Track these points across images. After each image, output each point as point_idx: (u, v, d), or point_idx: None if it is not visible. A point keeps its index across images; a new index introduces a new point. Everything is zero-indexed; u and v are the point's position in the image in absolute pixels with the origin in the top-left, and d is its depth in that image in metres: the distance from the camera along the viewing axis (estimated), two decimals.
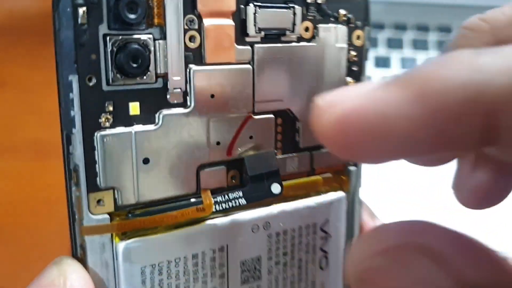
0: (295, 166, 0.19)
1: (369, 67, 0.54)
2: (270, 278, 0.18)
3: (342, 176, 0.20)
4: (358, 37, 0.19)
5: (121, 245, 0.15)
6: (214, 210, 0.17)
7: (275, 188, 0.17)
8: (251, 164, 0.17)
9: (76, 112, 0.14)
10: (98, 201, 0.15)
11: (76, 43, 0.14)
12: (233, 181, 0.17)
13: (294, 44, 0.18)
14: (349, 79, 0.19)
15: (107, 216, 0.15)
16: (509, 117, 0.10)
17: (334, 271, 0.20)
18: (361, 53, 0.19)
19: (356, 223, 0.20)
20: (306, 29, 0.18)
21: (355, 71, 0.19)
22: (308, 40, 0.18)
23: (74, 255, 0.16)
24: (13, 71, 0.55)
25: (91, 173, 0.15)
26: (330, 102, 0.12)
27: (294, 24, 0.18)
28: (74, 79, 0.14)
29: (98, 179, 0.15)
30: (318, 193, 0.19)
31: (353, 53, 0.19)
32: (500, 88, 0.10)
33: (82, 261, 0.16)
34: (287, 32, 0.18)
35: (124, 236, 0.16)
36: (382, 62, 0.54)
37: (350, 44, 0.19)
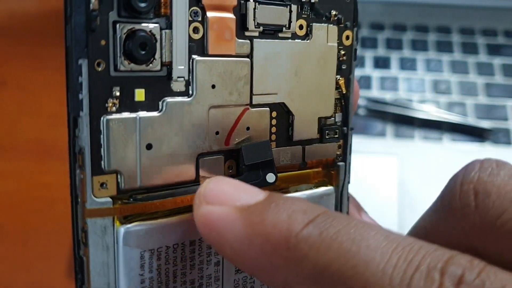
0: (287, 159, 0.19)
1: (369, 67, 0.54)
2: None
3: (331, 171, 0.20)
4: (348, 37, 0.20)
5: (122, 229, 0.16)
6: None
7: (270, 178, 0.18)
8: (247, 153, 0.18)
9: (84, 96, 0.15)
10: (102, 184, 0.15)
11: (87, 28, 0.14)
12: (230, 171, 0.18)
13: (289, 40, 0.18)
14: (338, 77, 0.20)
15: (109, 199, 0.16)
16: None
17: None
18: (350, 52, 0.20)
19: None
20: (301, 27, 0.19)
21: (344, 70, 0.20)
22: (302, 38, 0.19)
23: (75, 238, 0.16)
24: (13, 71, 0.55)
25: (96, 156, 0.15)
26: (206, 197, 0.15)
27: (290, 21, 0.18)
28: (84, 63, 0.15)
29: (102, 162, 0.15)
30: (308, 186, 0.20)
31: (342, 52, 0.20)
32: (293, 274, 0.13)
33: (84, 244, 0.16)
34: (284, 29, 0.18)
35: (125, 220, 0.16)
36: (382, 63, 0.54)
37: (340, 43, 0.19)
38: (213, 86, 0.17)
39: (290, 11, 0.18)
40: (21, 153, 0.50)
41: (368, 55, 0.55)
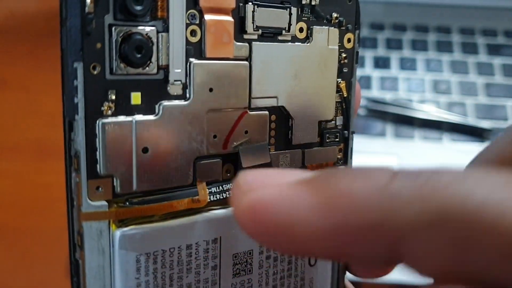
0: (287, 162, 0.19)
1: (369, 67, 0.54)
2: (261, 272, 0.19)
3: None
4: (349, 40, 0.19)
5: (117, 233, 0.15)
6: (209, 200, 0.17)
7: None
8: (245, 156, 0.17)
9: (79, 99, 0.15)
10: (97, 188, 0.15)
11: (82, 31, 0.14)
12: (228, 174, 0.18)
13: (289, 43, 0.18)
14: (339, 80, 0.19)
15: (105, 203, 0.15)
16: (412, 247, 0.10)
17: (322, 268, 0.20)
18: (352, 55, 0.19)
19: None
20: (301, 30, 0.18)
21: (345, 73, 0.20)
22: (303, 41, 0.19)
23: (71, 242, 0.16)
24: (13, 71, 0.55)
25: (91, 160, 0.15)
26: (248, 184, 0.12)
27: (290, 24, 0.18)
28: (79, 66, 0.14)
29: (98, 166, 0.15)
30: None
31: (344, 55, 0.19)
32: (406, 219, 0.10)
33: (80, 247, 0.16)
34: (283, 31, 0.18)
35: (121, 224, 0.16)
36: (382, 63, 0.54)
37: (341, 46, 0.19)
38: (211, 90, 0.17)
39: (290, 14, 0.18)
40: (21, 153, 0.50)
41: (368, 55, 0.55)
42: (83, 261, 0.15)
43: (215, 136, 0.17)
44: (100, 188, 0.15)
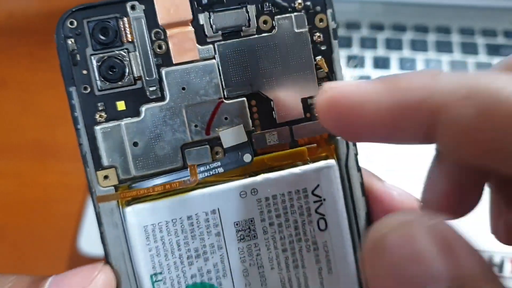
0: (275, 139, 0.21)
1: (369, 67, 0.54)
2: (267, 237, 0.21)
3: (330, 146, 0.22)
4: (321, 20, 0.21)
5: (126, 210, 0.20)
6: (199, 178, 0.21)
7: (247, 158, 0.21)
8: (225, 138, 0.21)
9: (78, 114, 0.20)
10: (105, 177, 0.20)
11: (71, 64, 0.20)
12: (217, 155, 0.21)
13: (253, 36, 0.21)
14: (319, 57, 0.21)
15: (112, 188, 0.20)
16: (447, 116, 0.14)
17: (336, 232, 0.21)
18: (327, 33, 0.21)
19: (355, 187, 0.22)
20: (265, 22, 0.21)
21: (325, 50, 0.21)
22: (269, 31, 0.21)
23: (98, 220, 0.20)
24: (13, 71, 0.55)
25: (96, 156, 0.20)
26: (331, 86, 0.17)
27: (249, 20, 0.21)
28: (73, 90, 0.20)
29: (101, 160, 0.20)
30: (305, 162, 0.21)
31: (317, 34, 0.21)
32: (444, 95, 0.14)
33: (100, 223, 0.20)
34: (244, 28, 0.21)
35: (128, 202, 0.20)
36: (382, 63, 0.54)
37: (313, 27, 0.21)
38: (183, 88, 0.20)
39: (247, 11, 0.21)
40: (21, 153, 0.50)
41: (368, 55, 0.55)
42: (104, 234, 0.20)
43: (196, 126, 0.21)
44: (108, 177, 0.20)
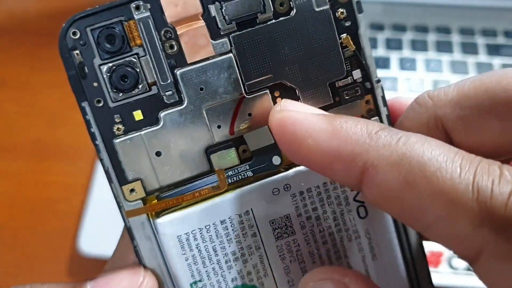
0: None
1: None
2: (305, 231, 0.20)
3: None
4: None
5: (157, 222, 0.20)
6: (228, 183, 0.20)
7: (276, 160, 0.20)
8: (250, 140, 0.20)
9: (94, 129, 0.19)
10: (131, 190, 0.19)
11: (80, 77, 0.18)
12: (245, 153, 0.20)
13: (270, 22, 0.19)
14: (344, 35, 0.20)
15: (140, 201, 0.19)
16: (374, 176, 0.16)
17: (377, 217, 0.21)
18: (351, 7, 0.19)
19: None
20: (281, 5, 0.19)
21: (349, 26, 0.20)
22: (286, 14, 0.19)
23: (130, 234, 0.20)
24: (13, 71, 0.55)
25: (119, 171, 0.19)
26: (285, 106, 0.18)
27: (264, 5, 0.19)
28: (85, 104, 0.19)
29: (125, 174, 0.19)
30: None
31: (340, 10, 0.19)
32: (376, 156, 0.15)
33: (132, 237, 0.20)
34: (259, 15, 0.19)
35: (159, 213, 0.20)
36: (382, 63, 0.54)
37: (335, 2, 0.19)
38: (201, 89, 0.19)
39: None
40: (21, 153, 0.50)
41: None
42: (138, 247, 0.20)
43: (219, 126, 0.20)
44: (134, 190, 0.19)
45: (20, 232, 0.46)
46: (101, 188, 0.45)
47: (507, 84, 0.17)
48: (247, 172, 0.20)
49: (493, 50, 0.55)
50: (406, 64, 0.54)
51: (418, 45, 0.55)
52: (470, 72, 0.53)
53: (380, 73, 0.57)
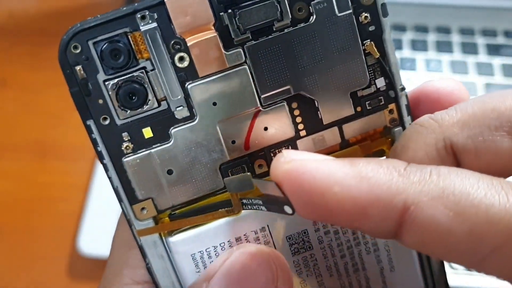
0: (323, 143, 0.19)
1: None
2: (323, 246, 0.20)
3: (386, 139, 0.19)
4: None
5: (169, 240, 0.19)
6: (242, 209, 0.19)
7: (287, 209, 0.17)
8: (229, 185, 0.18)
9: (101, 148, 0.18)
10: (142, 209, 0.18)
11: (83, 94, 0.17)
12: (261, 169, 0.19)
13: (288, 30, 0.18)
14: (368, 41, 0.18)
15: (151, 220, 0.19)
16: (418, 215, 0.14)
17: None
18: (375, 10, 0.18)
19: None
20: (300, 10, 0.18)
21: (373, 32, 0.18)
22: (305, 20, 0.18)
23: (142, 253, 0.19)
24: (13, 71, 0.55)
25: (129, 190, 0.18)
26: (289, 157, 0.15)
27: (281, 12, 0.17)
28: (91, 123, 0.17)
29: (135, 193, 0.18)
30: None
31: (364, 14, 0.18)
32: (415, 193, 0.14)
33: (144, 256, 0.19)
34: (275, 22, 0.18)
35: (171, 233, 0.19)
36: None
37: (358, 6, 0.18)
38: (215, 104, 0.18)
39: (278, 2, 0.17)
40: (21, 153, 0.50)
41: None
42: (151, 266, 0.19)
43: (233, 142, 0.18)
44: (144, 209, 0.18)
45: (20, 232, 0.46)
46: (100, 188, 0.45)
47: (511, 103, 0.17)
48: (261, 207, 0.18)
49: (493, 50, 0.55)
50: (406, 64, 0.54)
51: (418, 45, 0.55)
52: (470, 72, 0.53)
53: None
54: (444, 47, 0.55)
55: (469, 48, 0.55)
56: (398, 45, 0.55)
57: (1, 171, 0.49)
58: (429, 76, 0.53)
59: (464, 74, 0.53)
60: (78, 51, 0.17)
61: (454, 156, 0.17)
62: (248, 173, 0.18)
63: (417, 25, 0.57)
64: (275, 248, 0.19)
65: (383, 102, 0.19)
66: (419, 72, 0.53)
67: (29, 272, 0.44)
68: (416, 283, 0.21)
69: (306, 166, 0.15)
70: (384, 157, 0.19)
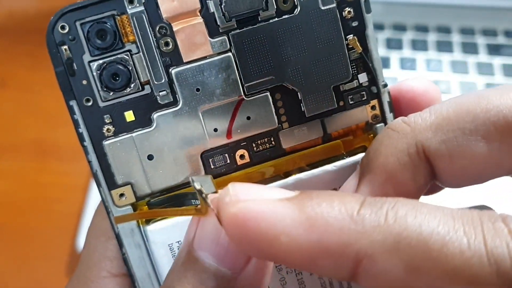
0: (304, 136, 0.19)
1: None
2: None
3: (368, 135, 0.20)
4: None
5: (147, 229, 0.19)
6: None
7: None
8: (193, 183, 0.17)
9: (82, 129, 0.18)
10: (121, 195, 0.18)
11: (68, 74, 0.17)
12: (242, 160, 0.19)
13: (273, 20, 0.18)
14: (351, 36, 0.19)
15: (129, 207, 0.18)
16: (371, 267, 0.13)
17: None
18: (359, 6, 0.18)
19: None
20: (285, 2, 0.18)
21: (356, 27, 0.19)
22: (290, 12, 0.18)
23: (118, 241, 0.19)
24: (13, 71, 0.55)
25: (108, 174, 0.18)
26: (235, 196, 0.14)
27: (266, 2, 0.18)
28: (74, 103, 0.18)
29: (115, 178, 0.18)
30: (341, 157, 0.19)
31: (347, 9, 0.18)
32: (369, 243, 0.13)
33: (121, 245, 0.19)
34: (261, 12, 0.18)
35: (149, 220, 0.19)
36: (382, 62, 0.54)
37: (343, 1, 0.18)
38: (198, 90, 0.18)
39: None
40: (21, 153, 0.50)
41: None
42: (127, 255, 0.19)
43: (215, 130, 0.18)
44: (123, 195, 0.18)
45: (20, 232, 0.46)
46: None
47: (487, 104, 0.16)
48: None
49: (494, 50, 0.55)
50: (407, 64, 0.54)
51: (419, 45, 0.55)
52: (471, 72, 0.53)
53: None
54: (444, 47, 0.55)
55: (470, 48, 0.55)
56: (399, 45, 0.55)
57: (1, 171, 0.49)
58: (429, 76, 0.53)
59: (464, 74, 0.53)
60: (65, 31, 0.17)
61: (427, 160, 0.17)
62: (210, 175, 0.18)
63: (417, 25, 0.57)
64: None
65: (365, 98, 0.19)
66: (419, 72, 0.53)
67: (29, 272, 0.44)
68: None
69: (251, 210, 0.14)
70: (340, 190, 0.18)
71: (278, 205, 0.14)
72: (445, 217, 0.13)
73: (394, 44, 0.56)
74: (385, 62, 0.54)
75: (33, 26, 0.58)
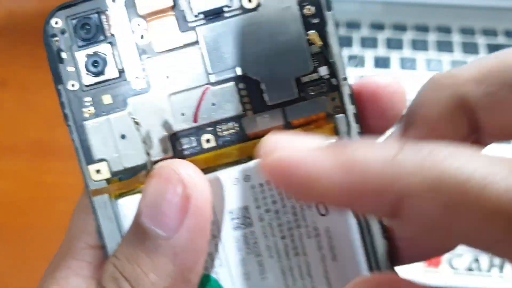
0: (266, 123, 0.21)
1: (369, 67, 0.54)
2: (263, 224, 0.21)
3: (329, 124, 0.21)
4: None
5: (118, 202, 0.21)
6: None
7: None
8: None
9: (67, 111, 0.21)
10: (98, 171, 0.20)
11: (58, 62, 0.20)
12: (208, 143, 0.21)
13: (238, 16, 0.20)
14: (312, 32, 0.20)
15: (104, 181, 0.21)
16: (411, 207, 0.13)
17: (338, 216, 0.21)
18: (319, 5, 0.20)
19: None
20: (250, 0, 0.20)
21: (317, 24, 0.20)
22: (254, 9, 0.20)
23: (94, 214, 0.21)
24: (13, 71, 0.55)
25: (87, 151, 0.21)
26: (275, 145, 0.16)
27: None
28: (61, 87, 0.20)
29: (92, 154, 0.21)
30: None
31: (308, 7, 0.20)
32: (409, 185, 0.13)
33: (96, 217, 0.20)
34: (226, 8, 0.20)
35: (121, 195, 0.21)
36: (382, 62, 0.54)
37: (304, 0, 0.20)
38: (167, 77, 0.20)
39: None
40: (21, 153, 0.50)
41: (369, 55, 0.55)
42: (101, 227, 0.20)
43: (183, 114, 0.21)
44: (99, 171, 0.20)
45: (20, 232, 0.46)
46: None
47: None
48: None
49: (494, 49, 0.55)
50: (407, 64, 0.54)
51: (419, 45, 0.55)
52: None
53: (380, 72, 0.56)
54: (444, 46, 0.55)
55: (470, 48, 0.55)
56: (399, 45, 0.55)
57: (1, 171, 0.49)
58: (430, 75, 0.53)
59: None
60: (58, 25, 0.20)
61: (470, 113, 0.17)
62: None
63: (417, 25, 0.57)
64: (216, 219, 0.20)
65: (325, 89, 0.20)
66: (419, 72, 0.53)
67: (29, 272, 0.44)
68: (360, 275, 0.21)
69: (290, 159, 0.15)
70: (393, 129, 0.20)
71: (315, 152, 0.15)
72: (484, 161, 0.13)
73: (394, 44, 0.56)
74: (385, 62, 0.54)
75: (33, 26, 0.58)
